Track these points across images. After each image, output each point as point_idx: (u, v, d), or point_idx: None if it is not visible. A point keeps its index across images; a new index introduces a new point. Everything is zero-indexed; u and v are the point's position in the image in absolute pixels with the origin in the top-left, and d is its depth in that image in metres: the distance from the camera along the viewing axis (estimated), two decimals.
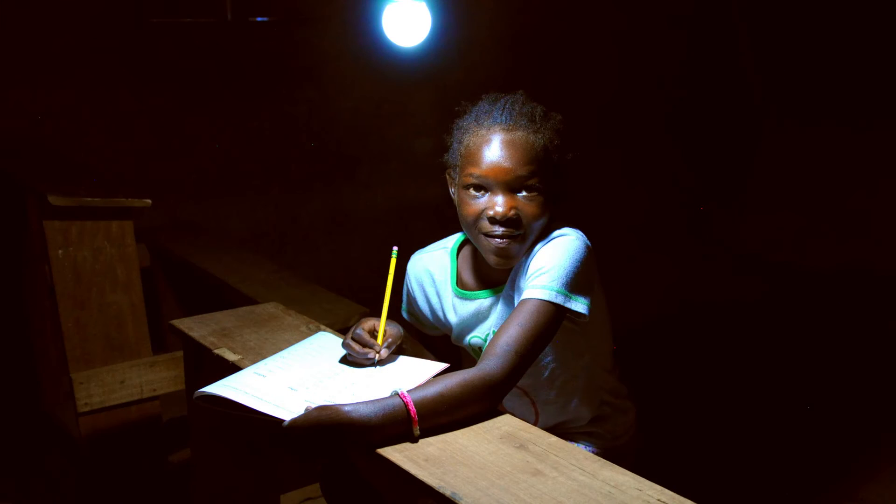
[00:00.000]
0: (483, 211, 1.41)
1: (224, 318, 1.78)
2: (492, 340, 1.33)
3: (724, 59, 5.19)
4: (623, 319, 1.81)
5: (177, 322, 1.75)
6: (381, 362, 1.40)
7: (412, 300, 1.67)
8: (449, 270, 1.59)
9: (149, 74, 3.55)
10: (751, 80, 5.18)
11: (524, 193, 1.40)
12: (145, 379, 2.40)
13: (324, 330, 1.66)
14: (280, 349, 1.52)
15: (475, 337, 1.56)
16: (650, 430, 1.75)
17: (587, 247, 1.42)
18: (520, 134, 1.41)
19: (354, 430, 1.15)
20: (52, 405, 2.80)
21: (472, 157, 1.42)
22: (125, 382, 2.37)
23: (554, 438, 1.20)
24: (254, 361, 1.46)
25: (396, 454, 1.15)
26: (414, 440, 1.18)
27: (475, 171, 1.41)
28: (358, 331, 1.41)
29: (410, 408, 1.18)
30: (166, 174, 3.61)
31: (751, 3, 5.06)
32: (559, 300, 1.34)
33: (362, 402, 1.18)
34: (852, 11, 4.54)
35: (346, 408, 1.16)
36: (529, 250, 1.44)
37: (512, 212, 1.39)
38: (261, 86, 3.89)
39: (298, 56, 3.95)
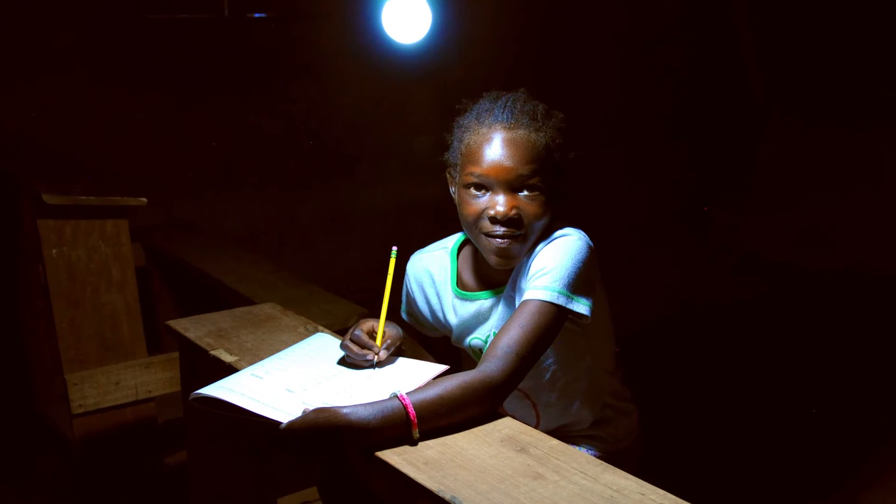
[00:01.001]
0: (484, 210, 1.41)
1: (221, 318, 1.77)
2: (492, 342, 1.32)
3: (727, 57, 5.19)
4: (625, 320, 1.81)
5: (172, 323, 1.75)
6: (380, 364, 1.40)
7: (411, 301, 1.66)
8: (449, 271, 1.59)
9: (145, 72, 3.55)
10: (753, 79, 5.18)
11: (525, 193, 1.40)
12: (140, 380, 2.40)
13: (322, 331, 1.65)
14: (277, 350, 1.52)
15: (475, 338, 1.56)
16: (653, 433, 1.75)
17: (589, 247, 1.42)
18: (521, 132, 1.40)
19: (353, 433, 1.14)
20: (45, 406, 2.80)
21: (473, 156, 1.41)
22: (120, 384, 2.37)
23: (555, 442, 1.20)
24: (251, 363, 1.46)
25: (395, 457, 1.15)
26: (413, 443, 1.18)
27: (476, 170, 1.40)
28: (356, 332, 1.41)
29: (409, 410, 1.17)
30: (162, 172, 3.61)
31: (754, 1, 5.07)
32: (561, 301, 1.34)
33: (361, 405, 1.18)
34: (856, 9, 4.54)
35: (345, 410, 1.15)
36: (531, 250, 1.43)
37: (513, 211, 1.39)
38: (258, 83, 3.88)
39: (297, 53, 3.95)
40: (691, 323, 3.82)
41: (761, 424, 2.90)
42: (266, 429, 1.19)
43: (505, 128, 1.41)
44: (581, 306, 1.36)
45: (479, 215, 1.41)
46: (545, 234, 1.44)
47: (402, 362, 1.42)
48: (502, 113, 1.42)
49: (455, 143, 1.49)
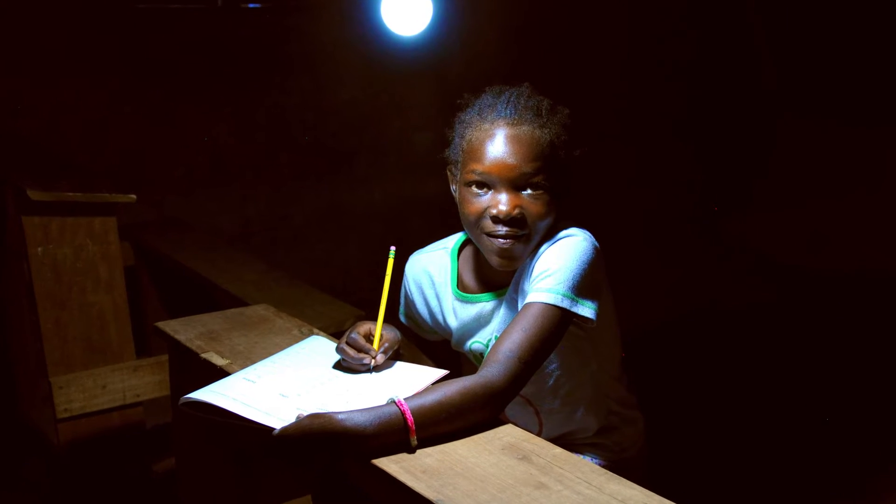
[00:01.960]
0: (486, 209, 1.41)
1: (212, 320, 1.77)
2: (494, 346, 1.32)
3: (738, 53, 5.19)
4: (631, 325, 1.81)
5: (162, 324, 1.75)
6: (377, 368, 1.40)
7: (410, 303, 1.66)
8: (449, 272, 1.59)
9: (135, 63, 3.55)
10: (764, 76, 5.18)
11: (529, 191, 1.40)
12: (128, 384, 2.40)
13: (317, 333, 1.65)
14: (271, 353, 1.52)
15: (476, 342, 1.56)
16: (659, 442, 1.75)
17: (595, 248, 1.42)
18: (525, 129, 1.40)
19: (348, 440, 1.14)
20: (29, 410, 2.80)
21: (475, 153, 1.41)
22: (107, 387, 2.37)
23: (558, 450, 1.20)
24: (243, 366, 1.46)
25: (392, 465, 1.15)
26: (411, 450, 1.18)
27: (478, 167, 1.40)
28: (353, 335, 1.41)
29: (407, 416, 1.17)
30: (152, 168, 3.61)
31: None
32: (565, 304, 1.34)
33: (357, 410, 1.18)
34: (870, 5, 4.54)
35: (340, 416, 1.15)
36: (534, 251, 1.43)
37: (516, 210, 1.39)
38: (252, 75, 3.88)
39: (292, 44, 3.95)
40: (699, 328, 3.82)
41: (772, 433, 2.90)
42: (258, 435, 1.19)
43: (508, 124, 1.41)
44: (586, 309, 1.36)
45: (481, 214, 1.41)
46: (549, 235, 1.43)
47: (400, 367, 1.42)
48: (505, 108, 1.42)
49: (456, 140, 1.49)
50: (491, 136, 1.41)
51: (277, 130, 4.03)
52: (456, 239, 1.62)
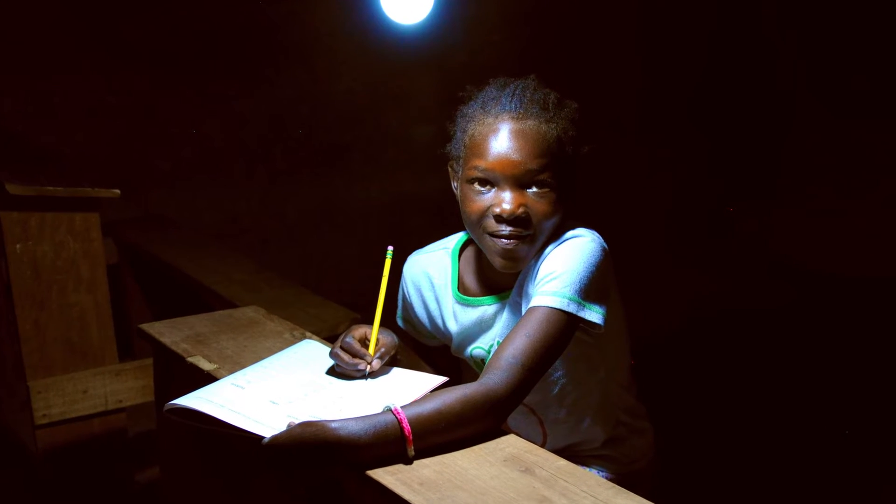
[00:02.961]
0: (489, 208, 1.41)
1: (199, 322, 1.78)
2: (496, 352, 1.32)
3: (755, 46, 5.19)
4: (641, 331, 1.81)
5: (146, 326, 1.75)
6: (373, 374, 1.40)
7: (408, 306, 1.67)
8: (450, 273, 1.59)
9: (119, 52, 3.55)
10: (781, 68, 5.18)
11: (534, 189, 1.40)
12: (110, 389, 2.40)
13: (309, 337, 1.65)
14: (261, 358, 1.52)
15: (478, 348, 1.56)
16: (670, 454, 1.75)
17: (604, 250, 1.42)
18: (531, 123, 1.41)
19: (342, 450, 1.14)
20: (6, 416, 2.80)
21: (478, 149, 1.42)
22: (88, 392, 2.37)
23: (563, 462, 1.20)
24: (231, 371, 1.46)
25: (388, 477, 1.15)
26: (408, 461, 1.18)
27: (480, 163, 1.41)
28: (347, 339, 1.41)
29: (404, 425, 1.17)
30: (137, 162, 3.62)
31: None
32: (572, 308, 1.34)
33: (351, 419, 1.18)
34: None
35: (333, 424, 1.15)
36: (539, 252, 1.43)
37: (521, 209, 1.39)
38: (244, 65, 3.89)
39: (286, 33, 3.96)
40: (713, 334, 3.82)
41: (788, 446, 2.90)
42: (247, 444, 1.19)
43: (513, 118, 1.41)
44: (594, 314, 1.36)
45: (484, 213, 1.42)
46: (555, 235, 1.44)
47: (397, 373, 1.42)
48: (510, 101, 1.42)
49: (458, 134, 1.49)
50: (495, 131, 1.41)
51: (269, 123, 4.03)
52: (457, 239, 1.62)
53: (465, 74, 1.61)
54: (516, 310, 1.49)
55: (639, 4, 4.85)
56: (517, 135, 1.40)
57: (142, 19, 3.61)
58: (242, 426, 1.20)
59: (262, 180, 4.04)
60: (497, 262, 1.44)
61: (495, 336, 1.53)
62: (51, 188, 2.24)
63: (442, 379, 1.36)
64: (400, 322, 1.70)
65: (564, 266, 1.37)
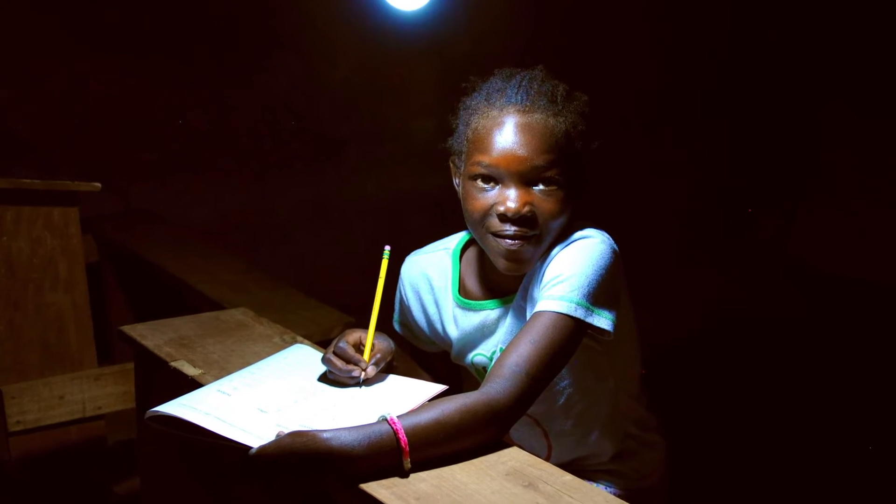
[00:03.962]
0: (492, 206, 1.41)
1: (183, 324, 1.78)
2: (498, 359, 1.32)
3: (778, 36, 5.19)
4: (653, 338, 1.81)
5: (127, 328, 1.75)
6: (368, 382, 1.40)
7: (406, 309, 1.67)
8: (450, 275, 1.59)
9: (100, 36, 3.55)
10: (803, 63, 5.18)
11: (541, 187, 1.40)
12: (88, 395, 2.40)
13: (300, 342, 1.65)
14: (249, 363, 1.52)
15: (479, 355, 1.56)
16: (682, 469, 1.75)
17: (614, 252, 1.42)
18: (538, 117, 1.41)
19: (334, 461, 1.14)
20: None
21: (481, 143, 1.42)
22: (65, 398, 2.37)
23: (569, 477, 1.20)
24: (217, 377, 1.46)
25: (383, 490, 1.15)
26: (404, 474, 1.18)
27: (484, 159, 1.40)
28: (341, 344, 1.41)
29: (400, 436, 1.17)
30: (119, 154, 3.62)
31: None
32: (579, 314, 1.34)
33: (344, 429, 1.18)
34: None
35: (325, 434, 1.15)
36: (545, 254, 1.43)
37: (526, 208, 1.39)
38: (233, 52, 3.89)
39: (278, 18, 3.96)
40: (729, 342, 3.82)
41: (806, 460, 2.90)
42: (233, 454, 1.19)
43: (519, 111, 1.41)
44: (602, 320, 1.36)
45: (487, 212, 1.42)
46: (562, 236, 1.43)
47: (393, 381, 1.42)
48: (516, 94, 1.42)
49: (460, 128, 1.49)
50: (499, 125, 1.41)
51: (260, 114, 4.04)
52: (458, 239, 1.63)
53: (468, 64, 1.61)
54: (520, 315, 1.49)
55: None
56: (523, 129, 1.39)
57: (127, 4, 3.61)
58: (228, 435, 1.20)
59: (251, 175, 4.05)
60: (501, 263, 1.44)
61: (498, 342, 1.53)
62: (27, 181, 2.24)
63: (441, 387, 1.36)
64: (397, 326, 1.70)
65: (572, 269, 1.37)
